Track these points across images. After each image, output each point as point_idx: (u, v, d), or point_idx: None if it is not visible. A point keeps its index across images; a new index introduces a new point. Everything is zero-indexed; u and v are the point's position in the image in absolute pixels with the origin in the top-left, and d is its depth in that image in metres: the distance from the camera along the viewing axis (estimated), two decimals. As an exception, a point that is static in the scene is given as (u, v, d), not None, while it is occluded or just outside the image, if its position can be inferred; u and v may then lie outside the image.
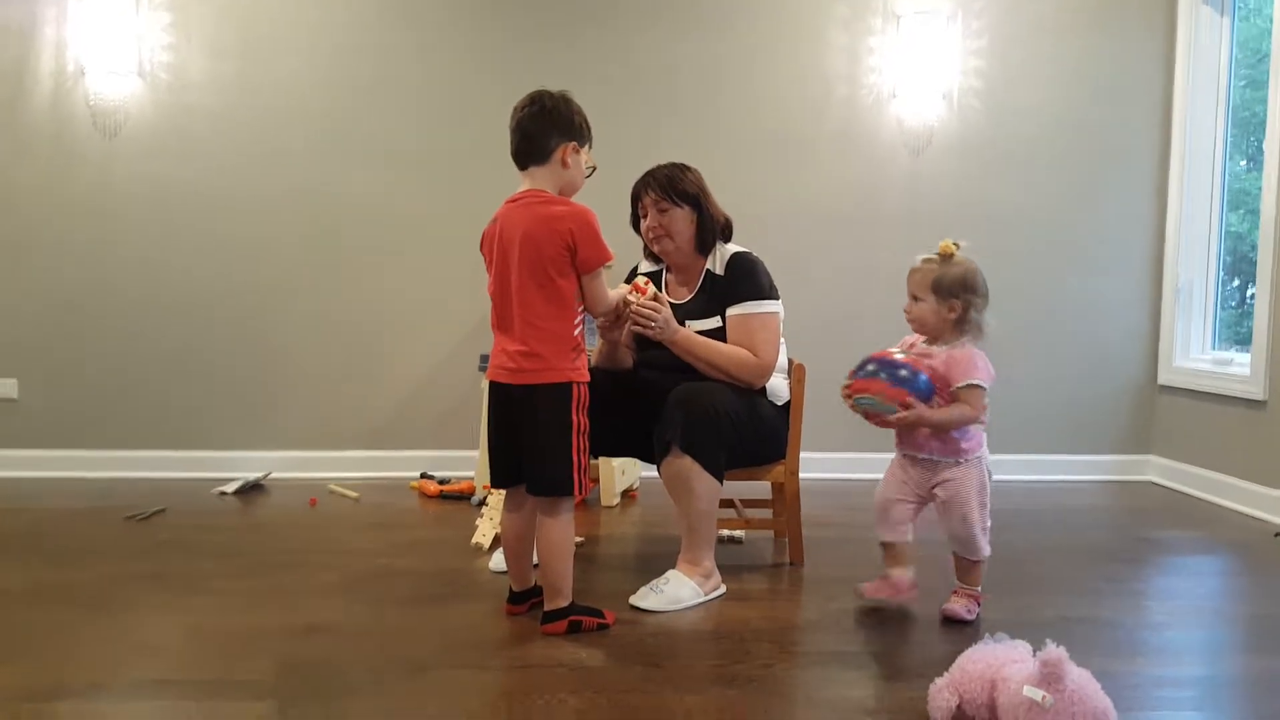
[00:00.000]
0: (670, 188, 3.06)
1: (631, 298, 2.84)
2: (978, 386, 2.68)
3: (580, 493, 2.57)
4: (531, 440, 2.56)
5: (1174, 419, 4.94)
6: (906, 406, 2.62)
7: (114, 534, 3.55)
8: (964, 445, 2.72)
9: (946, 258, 2.73)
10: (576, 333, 2.57)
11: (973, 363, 2.69)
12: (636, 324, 2.88)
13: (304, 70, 4.64)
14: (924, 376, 2.65)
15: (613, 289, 3.10)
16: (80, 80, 4.49)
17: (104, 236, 4.57)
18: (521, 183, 2.62)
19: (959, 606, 2.72)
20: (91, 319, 4.58)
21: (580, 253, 2.51)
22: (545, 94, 2.61)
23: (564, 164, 2.60)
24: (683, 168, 3.12)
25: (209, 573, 3.08)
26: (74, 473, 4.56)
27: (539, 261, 2.50)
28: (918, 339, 2.82)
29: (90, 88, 4.49)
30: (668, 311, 2.91)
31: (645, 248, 3.23)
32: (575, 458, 2.55)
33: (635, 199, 3.15)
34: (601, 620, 2.61)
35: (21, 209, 4.51)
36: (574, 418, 2.55)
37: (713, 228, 3.12)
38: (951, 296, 2.69)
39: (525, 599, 2.74)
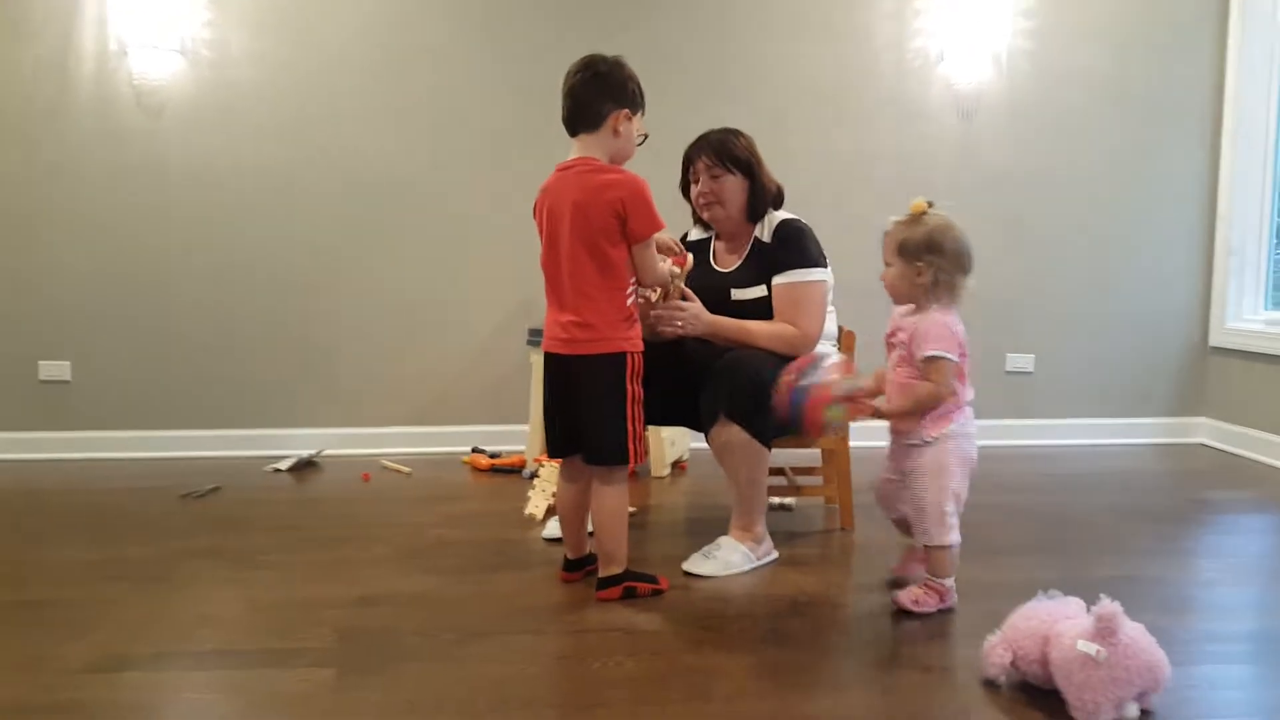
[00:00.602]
0: (724, 153, 3.04)
1: (674, 269, 2.84)
2: (940, 358, 2.44)
3: (637, 460, 2.60)
4: (588, 411, 2.58)
5: (1225, 381, 4.88)
6: (860, 409, 2.54)
7: (171, 512, 3.63)
8: (927, 424, 2.52)
9: (916, 218, 2.54)
10: (630, 302, 2.58)
11: (935, 332, 2.45)
12: (662, 329, 2.89)
13: (346, 41, 4.65)
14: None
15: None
16: (123, 60, 4.52)
17: (152, 216, 4.62)
18: (571, 149, 2.62)
19: (905, 597, 2.52)
20: (141, 299, 4.65)
21: (630, 222, 2.50)
22: (599, 59, 2.60)
23: (615, 132, 2.58)
24: (735, 133, 3.09)
25: (265, 547, 3.14)
26: (128, 453, 4.64)
27: (589, 231, 2.51)
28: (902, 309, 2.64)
29: (133, 67, 4.52)
30: (695, 305, 2.91)
31: (694, 214, 3.23)
32: (631, 426, 2.57)
33: (687, 164, 3.13)
34: (656, 586, 2.64)
35: (69, 192, 4.57)
36: (629, 387, 2.57)
37: (764, 196, 3.09)
38: (917, 259, 2.49)
39: (580, 567, 2.77)
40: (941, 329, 2.45)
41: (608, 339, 2.55)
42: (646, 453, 4.15)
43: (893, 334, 2.58)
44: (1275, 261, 4.80)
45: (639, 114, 2.66)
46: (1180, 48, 4.88)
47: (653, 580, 2.65)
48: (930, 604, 2.50)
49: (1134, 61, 4.86)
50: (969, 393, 2.56)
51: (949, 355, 2.43)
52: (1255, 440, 4.58)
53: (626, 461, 2.58)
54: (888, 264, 2.57)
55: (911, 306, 2.57)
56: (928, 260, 2.47)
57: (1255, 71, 4.75)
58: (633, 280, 2.60)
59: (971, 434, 2.56)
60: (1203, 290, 4.98)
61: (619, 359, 2.56)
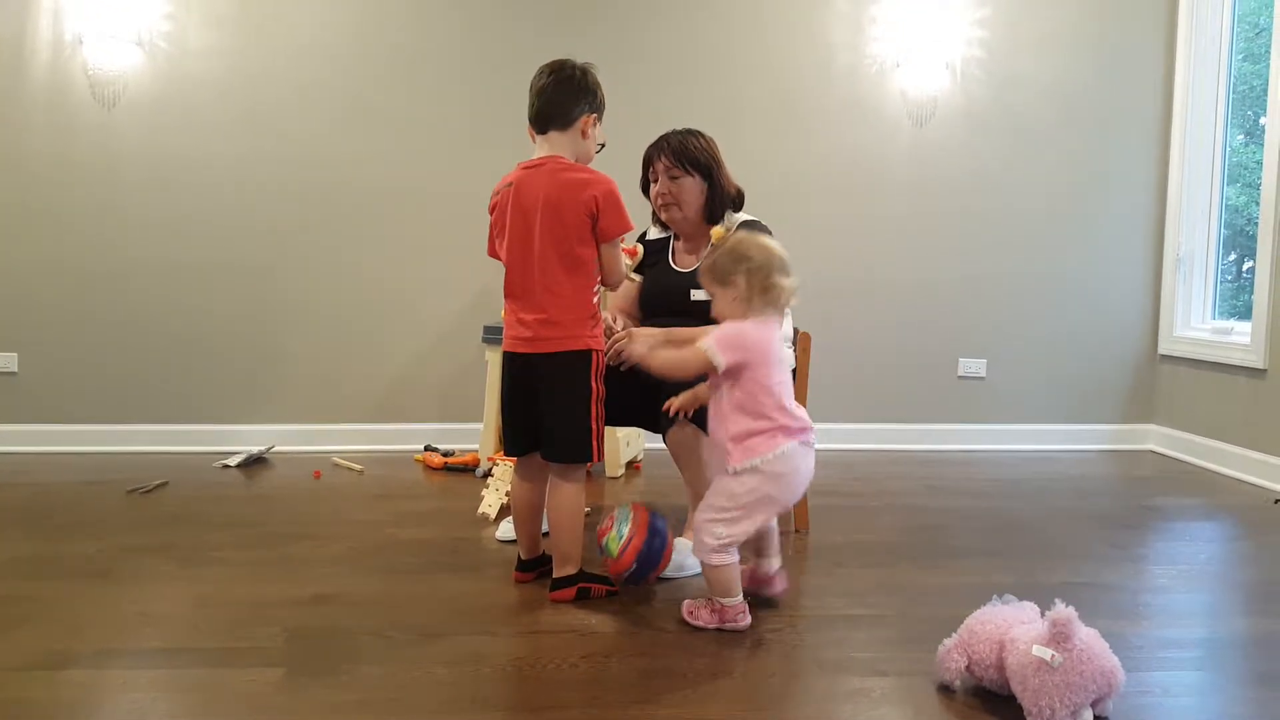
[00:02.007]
0: (683, 155, 3.03)
1: (626, 260, 2.84)
2: (703, 351, 2.31)
3: (597, 459, 2.59)
4: (554, 408, 2.57)
5: (1174, 388, 4.95)
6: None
7: (117, 507, 3.55)
8: (733, 453, 2.37)
9: (717, 245, 2.47)
10: (595, 300, 2.59)
11: (724, 334, 2.33)
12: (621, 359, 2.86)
13: (303, 37, 4.60)
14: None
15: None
16: (78, 49, 4.44)
17: (104, 208, 4.54)
18: (535, 148, 2.62)
19: (686, 604, 2.46)
20: (92, 292, 4.57)
21: (602, 220, 2.51)
22: (570, 62, 2.62)
23: (584, 134, 2.62)
24: (697, 134, 3.08)
25: (214, 544, 3.09)
26: (75, 447, 4.56)
27: (561, 228, 2.51)
28: None
29: (88, 57, 4.44)
30: (640, 337, 2.77)
31: (654, 214, 3.21)
32: (595, 425, 2.57)
33: (647, 163, 3.12)
34: (610, 587, 2.62)
35: (20, 181, 4.48)
36: (593, 385, 2.57)
37: (723, 198, 3.08)
38: (729, 276, 2.36)
39: (534, 567, 2.75)
40: (733, 336, 2.32)
41: (575, 336, 2.54)
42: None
43: None
44: (1223, 271, 4.88)
45: (601, 122, 2.70)
46: (1130, 58, 4.95)
47: (607, 582, 2.63)
48: (703, 619, 2.40)
49: (1085, 72, 4.93)
50: (792, 417, 2.37)
51: (717, 353, 2.29)
52: (1203, 447, 4.65)
53: (589, 459, 2.58)
54: (712, 297, 2.44)
55: None
56: (740, 271, 2.35)
57: (1203, 81, 4.83)
58: (599, 279, 2.60)
59: (784, 474, 2.36)
60: (1152, 298, 5.06)
61: (585, 356, 2.55)
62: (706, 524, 2.37)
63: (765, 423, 2.34)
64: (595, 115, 2.63)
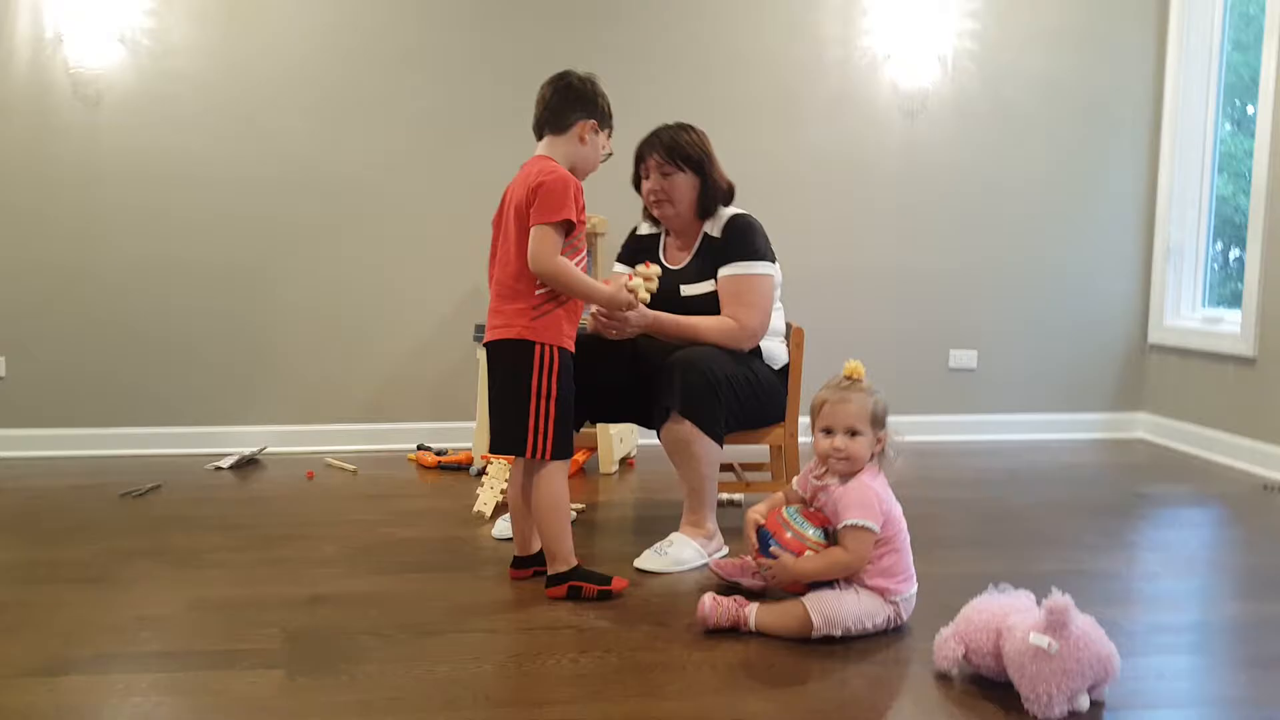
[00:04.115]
0: (675, 151, 3.01)
1: (638, 274, 2.81)
2: (862, 529, 2.27)
3: (532, 455, 2.55)
4: (492, 397, 2.62)
5: (1164, 377, 4.98)
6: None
7: (110, 511, 3.54)
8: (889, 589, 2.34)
9: (858, 383, 2.38)
10: (540, 291, 2.55)
11: (863, 499, 2.29)
12: (605, 334, 2.90)
13: (290, 34, 4.58)
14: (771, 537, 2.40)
15: (613, 266, 3.11)
16: (59, 47, 4.41)
17: (90, 209, 4.52)
18: (535, 152, 2.67)
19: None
20: (80, 294, 4.55)
21: (537, 203, 2.49)
22: (572, 72, 2.67)
23: (581, 139, 2.64)
24: (688, 129, 3.07)
25: (209, 546, 3.08)
26: (65, 451, 4.54)
27: (518, 219, 2.54)
28: (822, 474, 2.43)
29: (69, 55, 4.41)
30: (640, 307, 2.85)
31: (645, 209, 3.21)
32: (532, 420, 2.53)
33: (638, 159, 3.11)
34: (604, 587, 2.59)
35: (2, 182, 4.45)
36: (535, 380, 2.53)
37: (715, 193, 3.07)
38: (880, 428, 2.36)
39: (528, 564, 2.75)
40: (869, 497, 2.29)
41: (513, 325, 2.55)
42: (592, 450, 4.15)
43: (813, 497, 2.44)
44: (1212, 260, 4.91)
45: (606, 132, 2.71)
46: (1122, 50, 4.97)
47: (604, 581, 2.60)
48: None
49: (1076, 64, 4.95)
50: (911, 585, 2.38)
51: (870, 525, 2.27)
52: (1192, 435, 4.68)
53: (522, 454, 2.56)
54: (854, 433, 2.34)
55: (818, 466, 2.44)
56: (885, 430, 2.37)
57: (1194, 72, 4.85)
58: None
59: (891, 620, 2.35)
60: (1142, 288, 5.08)
61: (524, 348, 2.53)
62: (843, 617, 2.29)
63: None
64: (594, 122, 2.65)
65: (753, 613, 2.33)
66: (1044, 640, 1.84)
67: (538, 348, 2.54)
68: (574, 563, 2.61)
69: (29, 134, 4.45)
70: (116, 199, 4.53)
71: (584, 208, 2.57)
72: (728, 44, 4.80)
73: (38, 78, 4.43)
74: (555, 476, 2.60)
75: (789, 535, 2.35)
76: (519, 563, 2.76)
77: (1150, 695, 2.01)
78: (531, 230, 2.50)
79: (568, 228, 2.52)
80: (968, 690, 2.02)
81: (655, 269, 2.85)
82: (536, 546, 2.74)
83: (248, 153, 4.59)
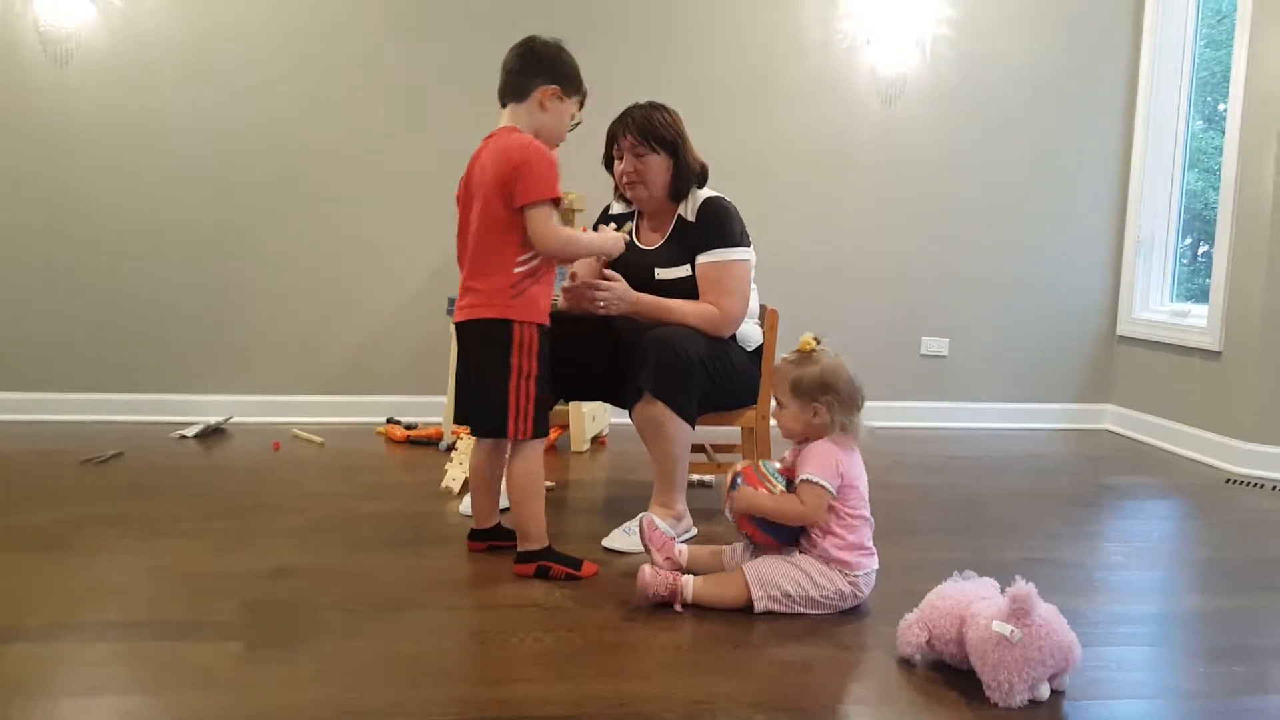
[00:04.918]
0: (648, 132, 2.98)
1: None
2: (814, 484, 2.31)
3: (514, 436, 2.54)
4: (468, 377, 2.59)
5: (1131, 369, 5.02)
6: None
7: (70, 477, 3.50)
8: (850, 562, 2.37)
9: (806, 355, 2.43)
10: (518, 270, 2.52)
11: (819, 458, 2.35)
12: (585, 307, 2.88)
13: None
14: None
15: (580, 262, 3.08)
16: (29, 5, 4.32)
17: (57, 170, 4.44)
18: (499, 121, 2.62)
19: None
20: (47, 256, 4.47)
21: (517, 184, 2.46)
22: (537, 38, 2.63)
23: (542, 106, 2.59)
24: (661, 109, 3.04)
25: (172, 516, 3.05)
26: (26, 415, 4.47)
27: (490, 194, 2.50)
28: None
29: (39, 13, 4.32)
30: (620, 285, 2.88)
31: (616, 189, 3.19)
32: (513, 400, 2.52)
33: (611, 139, 3.07)
34: (572, 571, 2.57)
35: (-34, 142, 4.38)
36: (514, 359, 2.52)
37: (688, 175, 3.05)
38: (812, 400, 2.38)
39: (485, 538, 2.75)
40: (827, 458, 2.34)
41: (491, 304, 2.52)
42: (563, 429, 4.14)
43: (794, 457, 2.47)
44: (1182, 253, 4.94)
45: (574, 98, 2.66)
46: (1096, 39, 4.98)
47: (574, 565, 2.59)
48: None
49: (1052, 52, 4.96)
50: (871, 560, 2.40)
51: (824, 483, 2.31)
52: (1158, 427, 4.72)
53: (504, 435, 2.55)
54: (780, 403, 2.46)
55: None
56: (823, 401, 2.37)
57: (1168, 64, 4.87)
58: (530, 250, 2.53)
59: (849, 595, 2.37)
60: (1112, 280, 5.11)
61: (503, 327, 2.51)
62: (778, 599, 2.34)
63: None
64: (557, 89, 2.60)
65: (689, 583, 2.36)
66: (1007, 628, 1.85)
67: (517, 327, 2.52)
68: (546, 543, 2.60)
69: (-3, 93, 4.37)
70: (85, 160, 4.45)
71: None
72: (704, 22, 4.76)
73: (6, 34, 4.34)
74: (533, 455, 2.59)
75: (751, 470, 2.43)
76: (475, 535, 2.76)
77: (1111, 685, 2.03)
78: (526, 214, 2.48)
79: (534, 204, 2.48)
80: (930, 677, 2.02)
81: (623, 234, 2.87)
82: (494, 520, 2.74)
83: (220, 116, 4.52)
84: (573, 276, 2.85)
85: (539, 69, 2.59)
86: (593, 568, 2.62)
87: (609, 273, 2.92)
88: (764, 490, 2.38)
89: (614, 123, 3.06)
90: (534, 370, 2.54)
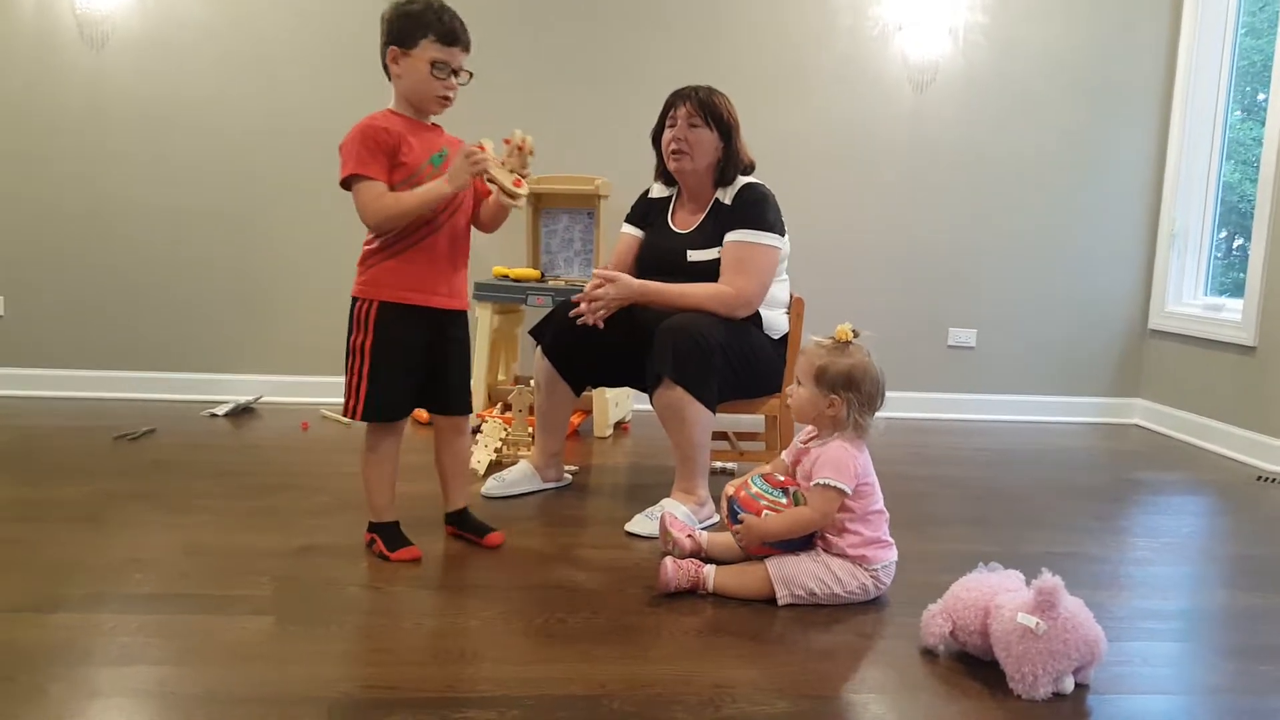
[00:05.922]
0: (708, 107, 3.02)
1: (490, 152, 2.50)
2: (831, 488, 2.29)
3: (351, 415, 2.52)
4: None
5: (1163, 363, 4.97)
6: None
7: (104, 453, 3.55)
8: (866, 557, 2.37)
9: (840, 345, 2.39)
10: (367, 247, 2.54)
11: (838, 461, 2.31)
12: (589, 320, 2.91)
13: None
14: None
15: (617, 242, 3.07)
16: (66, -13, 4.38)
17: (93, 150, 4.49)
18: None
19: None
20: (80, 236, 4.53)
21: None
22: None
23: (392, 74, 2.50)
24: (722, 95, 3.08)
25: (202, 492, 3.09)
26: (61, 392, 4.54)
27: None
28: (807, 440, 2.47)
29: (76, -5, 4.37)
30: (619, 282, 2.89)
31: (659, 166, 3.19)
32: (350, 378, 2.51)
33: (668, 107, 3.09)
34: (386, 553, 2.53)
35: (7, 122, 4.43)
36: (353, 337, 2.52)
37: (736, 162, 3.07)
38: (832, 391, 2.35)
39: (449, 521, 2.78)
40: (844, 459, 2.31)
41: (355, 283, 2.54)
42: (587, 414, 4.15)
43: (797, 462, 2.45)
44: (1216, 246, 4.89)
45: (417, 46, 2.44)
46: (1133, 29, 4.92)
47: (392, 548, 2.54)
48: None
49: (1087, 42, 4.90)
50: (890, 552, 2.40)
51: (842, 486, 2.29)
52: (1189, 423, 4.68)
53: (345, 412, 2.54)
54: (799, 383, 2.41)
55: (811, 430, 2.46)
56: (843, 396, 2.35)
57: (1206, 55, 4.81)
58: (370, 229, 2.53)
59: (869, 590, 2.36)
60: (1145, 273, 5.07)
61: (351, 303, 2.54)
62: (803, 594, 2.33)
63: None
64: (394, 48, 2.45)
65: (711, 573, 2.36)
66: (1032, 620, 1.85)
67: (356, 304, 2.53)
68: (385, 518, 2.59)
69: (33, 73, 4.41)
70: (120, 141, 4.50)
71: (390, 143, 2.46)
72: (735, 8, 4.74)
73: (44, 19, 4.39)
74: (372, 435, 2.58)
75: (746, 495, 2.39)
76: (445, 518, 2.79)
77: (1135, 680, 2.02)
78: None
79: (349, 183, 2.46)
80: (953, 667, 2.02)
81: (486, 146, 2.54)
82: (460, 503, 2.76)
83: (250, 97, 4.55)
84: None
85: (382, 36, 2.48)
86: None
87: (605, 272, 2.93)
88: (767, 512, 2.35)
89: (673, 93, 3.09)
90: (367, 346, 2.49)
